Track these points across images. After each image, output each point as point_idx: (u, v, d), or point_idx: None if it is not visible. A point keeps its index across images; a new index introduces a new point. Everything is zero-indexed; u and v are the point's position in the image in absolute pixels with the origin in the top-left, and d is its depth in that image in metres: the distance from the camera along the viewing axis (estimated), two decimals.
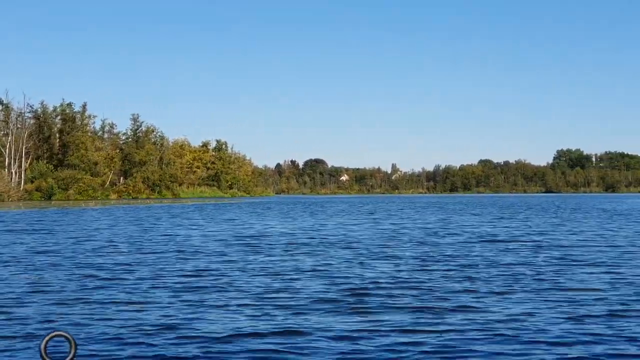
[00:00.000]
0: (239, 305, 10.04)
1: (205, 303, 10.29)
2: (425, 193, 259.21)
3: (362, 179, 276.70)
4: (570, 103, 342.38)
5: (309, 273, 13.78)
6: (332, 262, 15.80)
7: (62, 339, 2.87)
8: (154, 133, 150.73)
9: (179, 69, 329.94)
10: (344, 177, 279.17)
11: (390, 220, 38.52)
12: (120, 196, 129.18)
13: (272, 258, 16.97)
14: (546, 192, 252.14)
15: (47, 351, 2.85)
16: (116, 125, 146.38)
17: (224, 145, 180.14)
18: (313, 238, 23.98)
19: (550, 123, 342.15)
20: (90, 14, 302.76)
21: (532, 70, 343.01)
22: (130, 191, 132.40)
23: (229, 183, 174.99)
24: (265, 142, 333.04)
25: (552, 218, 39.60)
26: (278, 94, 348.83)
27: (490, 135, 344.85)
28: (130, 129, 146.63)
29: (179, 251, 19.04)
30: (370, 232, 27.48)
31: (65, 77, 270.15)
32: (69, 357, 2.78)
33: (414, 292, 11.24)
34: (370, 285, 12.02)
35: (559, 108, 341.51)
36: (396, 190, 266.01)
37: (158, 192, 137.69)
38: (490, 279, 12.74)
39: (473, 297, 10.68)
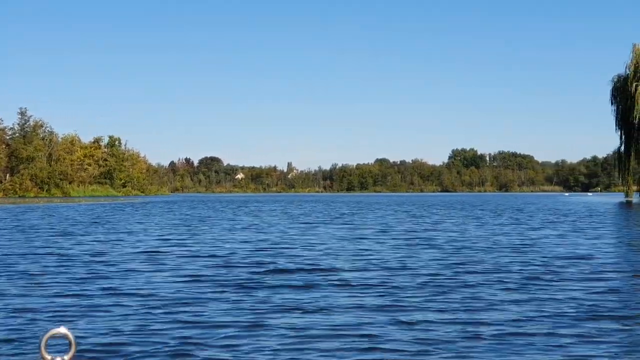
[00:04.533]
0: None
1: None
2: (322, 192, 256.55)
3: (258, 177, 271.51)
4: (464, 102, 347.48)
5: None
6: None
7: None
8: (43, 128, 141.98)
9: (69, 62, 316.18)
10: (240, 176, 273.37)
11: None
12: (6, 195, 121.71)
13: None
14: (442, 191, 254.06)
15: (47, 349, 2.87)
16: (2, 120, 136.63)
17: (117, 142, 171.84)
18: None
19: (444, 122, 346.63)
20: None
21: (427, 69, 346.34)
22: (17, 189, 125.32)
23: (123, 181, 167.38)
24: (158, 139, 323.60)
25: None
26: (172, 90, 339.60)
27: (386, 135, 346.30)
28: (18, 124, 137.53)
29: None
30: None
31: None
32: (68, 356, 2.79)
33: None
34: None
35: (453, 107, 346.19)
36: (292, 189, 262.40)
37: (47, 191, 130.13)
38: None
39: None
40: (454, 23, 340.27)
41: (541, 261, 15.25)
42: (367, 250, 18.22)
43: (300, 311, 9.36)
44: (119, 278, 12.64)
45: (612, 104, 71.65)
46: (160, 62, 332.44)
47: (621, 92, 69.75)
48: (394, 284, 11.66)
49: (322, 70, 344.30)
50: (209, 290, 11.16)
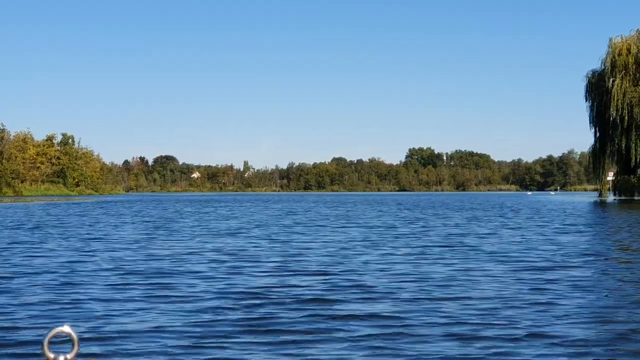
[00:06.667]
0: None
1: None
2: (279, 191, 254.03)
3: (214, 176, 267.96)
4: (421, 100, 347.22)
5: None
6: None
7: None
8: None
9: (22, 59, 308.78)
10: (196, 175, 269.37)
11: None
12: None
13: None
14: (400, 190, 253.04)
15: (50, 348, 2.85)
16: None
17: (70, 140, 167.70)
18: None
19: (401, 121, 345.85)
20: None
21: (382, 68, 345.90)
22: None
23: (76, 180, 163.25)
24: (112, 137, 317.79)
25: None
26: (126, 88, 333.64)
27: (343, 134, 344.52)
28: None
29: None
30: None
31: None
32: (71, 355, 2.76)
33: None
34: None
35: (409, 105, 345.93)
36: (249, 188, 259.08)
37: None
38: None
39: None
40: (408, 20, 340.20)
41: None
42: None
43: None
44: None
45: (586, 100, 70.54)
46: (115, 59, 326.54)
47: (596, 88, 68.66)
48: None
49: (278, 69, 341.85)
50: (232, 332, 7.90)
